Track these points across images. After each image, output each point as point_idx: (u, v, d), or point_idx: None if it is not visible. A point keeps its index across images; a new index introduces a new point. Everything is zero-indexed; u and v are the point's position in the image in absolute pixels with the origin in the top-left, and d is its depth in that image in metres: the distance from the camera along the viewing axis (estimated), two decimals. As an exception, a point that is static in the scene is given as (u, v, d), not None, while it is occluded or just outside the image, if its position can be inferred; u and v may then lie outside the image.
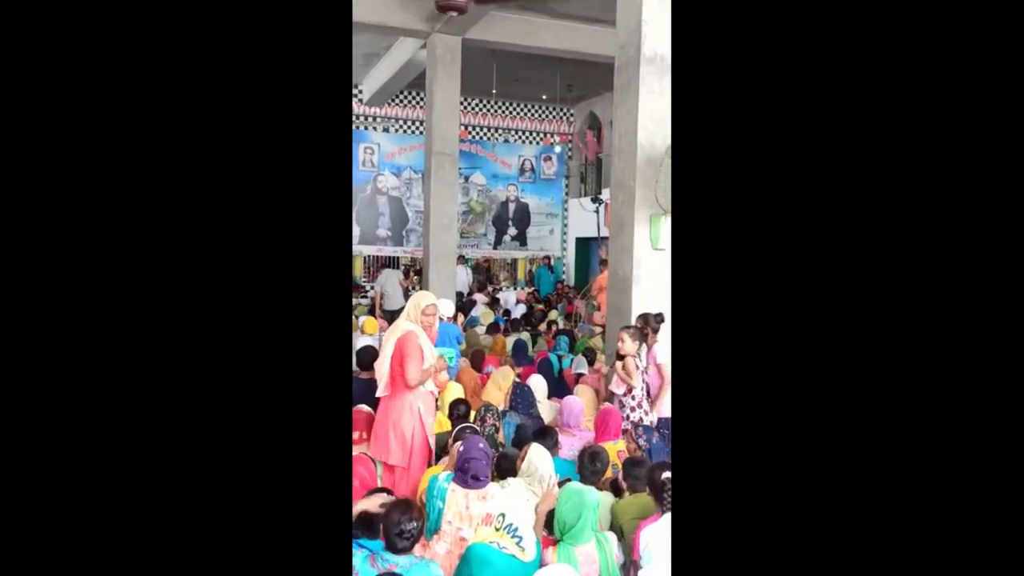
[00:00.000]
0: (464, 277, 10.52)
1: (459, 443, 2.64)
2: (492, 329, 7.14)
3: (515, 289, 12.44)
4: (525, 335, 6.78)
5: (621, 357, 3.87)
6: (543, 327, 7.90)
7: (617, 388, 3.86)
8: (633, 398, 3.81)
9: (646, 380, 3.85)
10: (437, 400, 4.00)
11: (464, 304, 8.91)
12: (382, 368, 3.09)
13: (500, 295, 9.81)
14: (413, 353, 3.05)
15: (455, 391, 4.19)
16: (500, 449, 2.89)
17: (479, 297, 9.44)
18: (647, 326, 3.96)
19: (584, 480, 2.73)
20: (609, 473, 2.90)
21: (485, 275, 11.27)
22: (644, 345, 3.89)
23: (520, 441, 3.26)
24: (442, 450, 3.23)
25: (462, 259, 10.89)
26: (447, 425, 3.74)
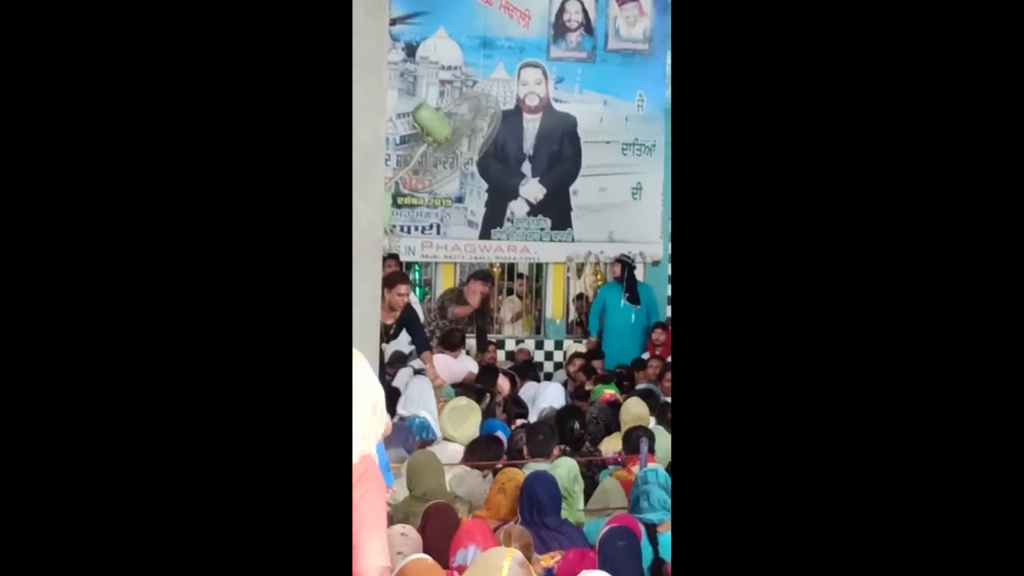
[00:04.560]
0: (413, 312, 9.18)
1: None
2: (480, 450, 6.14)
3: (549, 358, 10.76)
4: (565, 466, 5.44)
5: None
6: (608, 443, 6.54)
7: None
8: None
9: None
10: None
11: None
12: None
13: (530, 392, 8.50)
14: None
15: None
16: None
17: (439, 362, 8.21)
18: None
19: None
20: None
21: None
22: None
23: None
24: None
25: (395, 265, 9.60)
26: None
